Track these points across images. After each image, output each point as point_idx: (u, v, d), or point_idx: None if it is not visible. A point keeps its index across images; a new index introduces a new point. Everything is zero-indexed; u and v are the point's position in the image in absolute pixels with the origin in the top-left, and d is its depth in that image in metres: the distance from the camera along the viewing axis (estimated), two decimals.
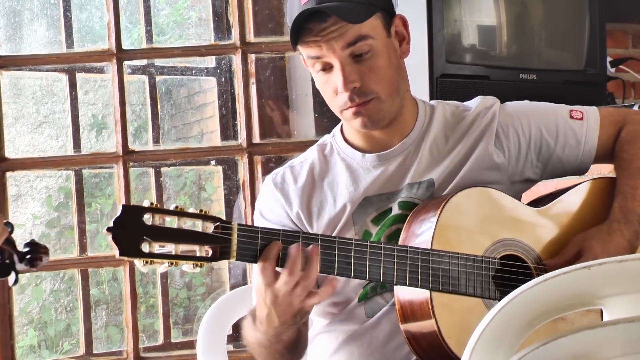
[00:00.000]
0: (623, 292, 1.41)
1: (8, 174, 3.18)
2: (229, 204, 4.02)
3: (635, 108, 2.64)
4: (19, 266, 1.73)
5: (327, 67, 1.95)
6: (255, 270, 1.80)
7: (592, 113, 2.11)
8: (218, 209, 5.18)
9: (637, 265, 1.39)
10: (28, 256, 1.73)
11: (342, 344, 2.00)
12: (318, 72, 1.97)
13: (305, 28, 1.90)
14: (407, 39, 2.02)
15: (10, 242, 1.73)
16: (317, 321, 2.06)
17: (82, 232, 3.47)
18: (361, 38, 1.92)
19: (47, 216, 5.35)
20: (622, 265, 1.38)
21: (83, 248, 3.49)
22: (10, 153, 3.20)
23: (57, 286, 5.34)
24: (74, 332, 5.05)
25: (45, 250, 1.75)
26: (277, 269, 1.75)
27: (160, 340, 3.66)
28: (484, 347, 1.41)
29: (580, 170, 2.11)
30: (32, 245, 1.75)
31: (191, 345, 3.44)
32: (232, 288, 3.55)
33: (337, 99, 1.96)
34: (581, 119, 2.09)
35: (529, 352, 1.32)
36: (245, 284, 3.41)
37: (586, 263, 1.38)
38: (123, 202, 3.17)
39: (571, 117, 2.09)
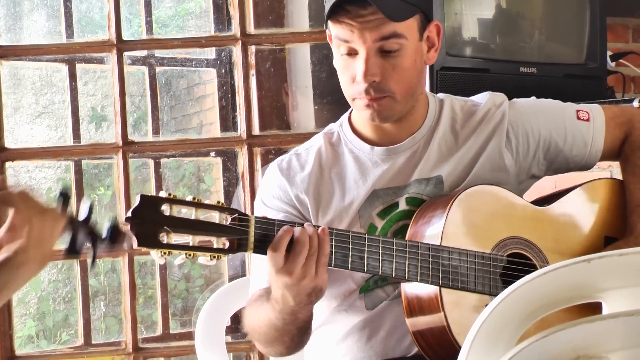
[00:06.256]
0: (623, 286, 1.41)
1: (7, 164, 3.18)
2: (229, 196, 4.01)
3: (635, 102, 2.64)
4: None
5: (352, 52, 1.92)
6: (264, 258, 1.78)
7: (597, 114, 2.10)
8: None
9: (637, 259, 1.39)
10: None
11: (344, 336, 2.01)
12: (342, 55, 1.94)
13: (342, 7, 1.87)
14: (437, 46, 2.00)
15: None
16: (318, 313, 2.06)
17: None
18: (395, 35, 1.89)
19: None
20: (622, 259, 1.38)
21: None
22: (9, 143, 3.19)
23: (56, 277, 5.34)
24: (72, 322, 5.05)
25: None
26: None
27: (159, 331, 3.65)
28: (484, 339, 1.41)
29: (585, 169, 2.12)
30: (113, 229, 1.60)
31: (190, 336, 3.44)
32: (230, 280, 3.54)
33: (353, 87, 1.94)
34: (587, 120, 2.08)
35: (528, 345, 1.32)
36: (244, 275, 3.41)
37: (586, 256, 1.38)
38: (122, 193, 3.16)
39: (578, 117, 2.08)
